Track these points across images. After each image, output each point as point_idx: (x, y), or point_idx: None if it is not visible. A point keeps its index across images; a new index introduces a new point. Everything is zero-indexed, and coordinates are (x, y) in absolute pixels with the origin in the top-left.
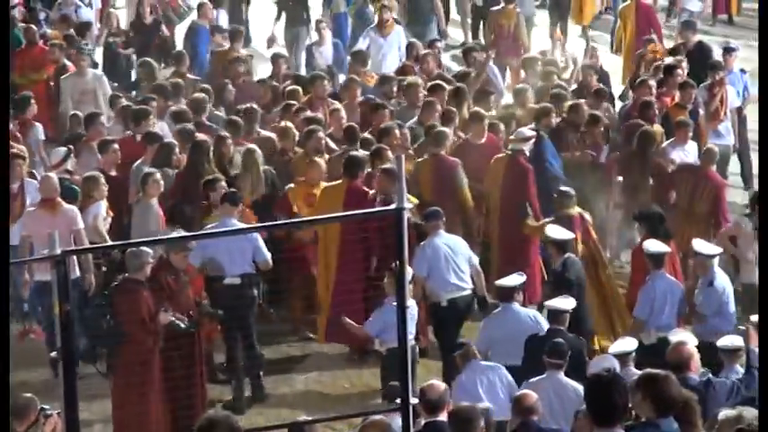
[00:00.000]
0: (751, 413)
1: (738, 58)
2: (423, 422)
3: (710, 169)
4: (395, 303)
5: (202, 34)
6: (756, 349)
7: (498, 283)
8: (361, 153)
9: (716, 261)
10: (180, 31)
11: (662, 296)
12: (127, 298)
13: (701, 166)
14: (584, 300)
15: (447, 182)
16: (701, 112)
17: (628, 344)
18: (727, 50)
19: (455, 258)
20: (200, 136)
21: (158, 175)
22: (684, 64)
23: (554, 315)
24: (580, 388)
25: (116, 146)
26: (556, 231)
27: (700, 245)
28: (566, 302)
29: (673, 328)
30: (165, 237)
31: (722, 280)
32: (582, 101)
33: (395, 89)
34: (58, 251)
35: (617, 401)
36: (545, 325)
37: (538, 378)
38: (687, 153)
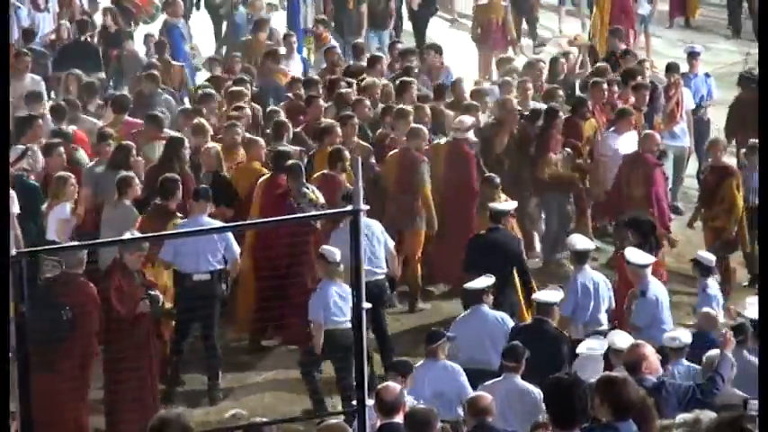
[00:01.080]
0: (707, 416)
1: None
2: (378, 424)
3: (646, 154)
4: (333, 287)
5: (175, 32)
6: (729, 354)
7: (467, 287)
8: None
9: (648, 271)
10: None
11: (585, 291)
12: (66, 290)
13: (637, 151)
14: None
15: (409, 175)
16: (656, 116)
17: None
18: (692, 54)
19: (370, 242)
20: (173, 133)
21: (137, 179)
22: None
23: (540, 307)
24: (536, 391)
25: (61, 149)
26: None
27: (632, 254)
28: (553, 295)
29: (601, 324)
30: (122, 238)
31: (656, 290)
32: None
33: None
34: (14, 252)
35: (576, 404)
36: (510, 326)
37: (493, 380)
38: (621, 143)
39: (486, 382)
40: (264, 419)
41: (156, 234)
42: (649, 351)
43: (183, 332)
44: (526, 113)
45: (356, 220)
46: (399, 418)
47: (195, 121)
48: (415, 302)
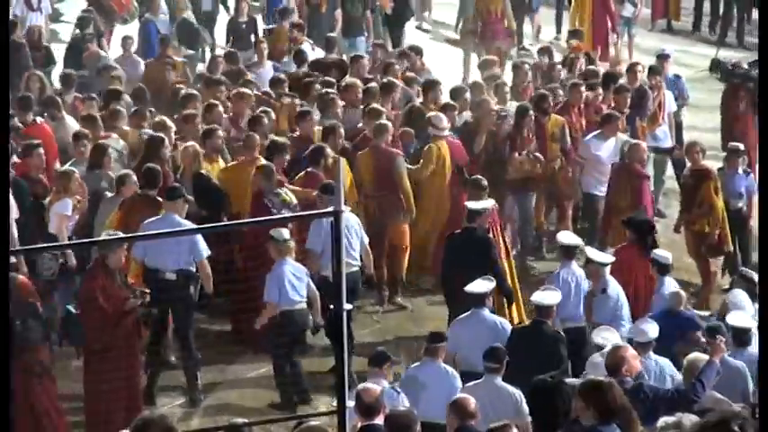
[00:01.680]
0: (690, 419)
1: (674, 63)
2: (359, 426)
3: (633, 164)
4: (287, 267)
5: (151, 29)
6: (717, 362)
7: (468, 290)
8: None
9: (608, 269)
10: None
11: (566, 287)
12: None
13: (624, 161)
14: None
15: (387, 172)
16: (638, 119)
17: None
18: (662, 57)
19: (348, 233)
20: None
21: (134, 177)
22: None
23: (540, 309)
24: (517, 393)
25: (41, 150)
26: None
27: (592, 252)
28: (551, 296)
29: (580, 319)
30: (108, 237)
31: (615, 287)
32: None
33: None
34: None
35: (559, 407)
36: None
37: (475, 382)
38: (604, 147)
39: (468, 384)
40: (244, 420)
41: (135, 235)
42: (630, 354)
43: (156, 330)
44: (503, 114)
45: (337, 220)
46: (380, 420)
47: (157, 119)
48: (394, 296)
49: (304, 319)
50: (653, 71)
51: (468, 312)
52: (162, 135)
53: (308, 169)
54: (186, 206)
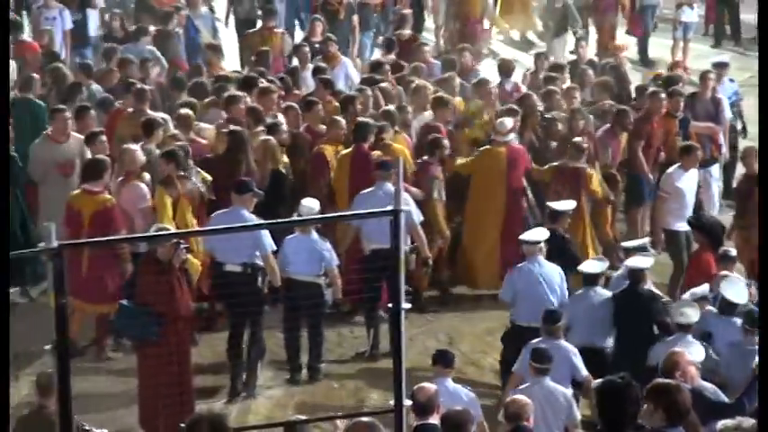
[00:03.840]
0: (749, 422)
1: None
2: (414, 425)
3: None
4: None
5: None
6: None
7: (582, 269)
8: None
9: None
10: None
11: (529, 280)
12: None
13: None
14: None
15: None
16: (691, 119)
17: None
18: (719, 65)
19: None
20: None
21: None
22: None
23: (633, 273)
24: (568, 392)
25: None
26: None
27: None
28: (644, 261)
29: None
30: (172, 232)
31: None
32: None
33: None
34: (55, 244)
35: (628, 410)
36: None
37: (525, 385)
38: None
39: (519, 387)
40: (302, 417)
41: (196, 230)
42: (685, 360)
43: (233, 323)
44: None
45: (396, 219)
46: (435, 419)
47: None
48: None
49: (313, 291)
50: (707, 75)
51: (582, 290)
52: (243, 129)
53: (424, 158)
54: (254, 200)
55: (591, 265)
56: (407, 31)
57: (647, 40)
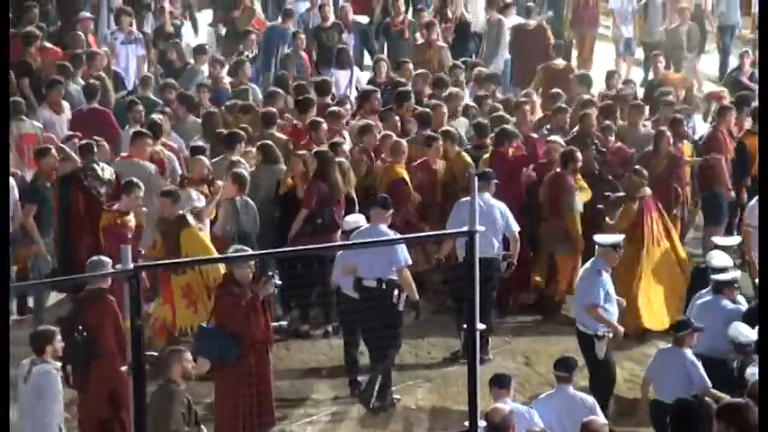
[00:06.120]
0: None
1: None
2: None
3: None
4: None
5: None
6: None
7: (715, 278)
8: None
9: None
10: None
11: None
12: (94, 306)
13: None
14: None
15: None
16: None
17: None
18: None
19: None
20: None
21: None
22: None
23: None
24: (589, 398)
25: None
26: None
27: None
28: (731, 240)
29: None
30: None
31: None
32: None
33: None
34: (131, 266)
35: (700, 429)
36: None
37: (546, 394)
38: None
39: (541, 396)
40: None
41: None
42: None
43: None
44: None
45: (472, 240)
46: None
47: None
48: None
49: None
50: None
51: (709, 297)
52: (329, 151)
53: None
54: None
55: (720, 258)
56: None
57: (728, 59)
